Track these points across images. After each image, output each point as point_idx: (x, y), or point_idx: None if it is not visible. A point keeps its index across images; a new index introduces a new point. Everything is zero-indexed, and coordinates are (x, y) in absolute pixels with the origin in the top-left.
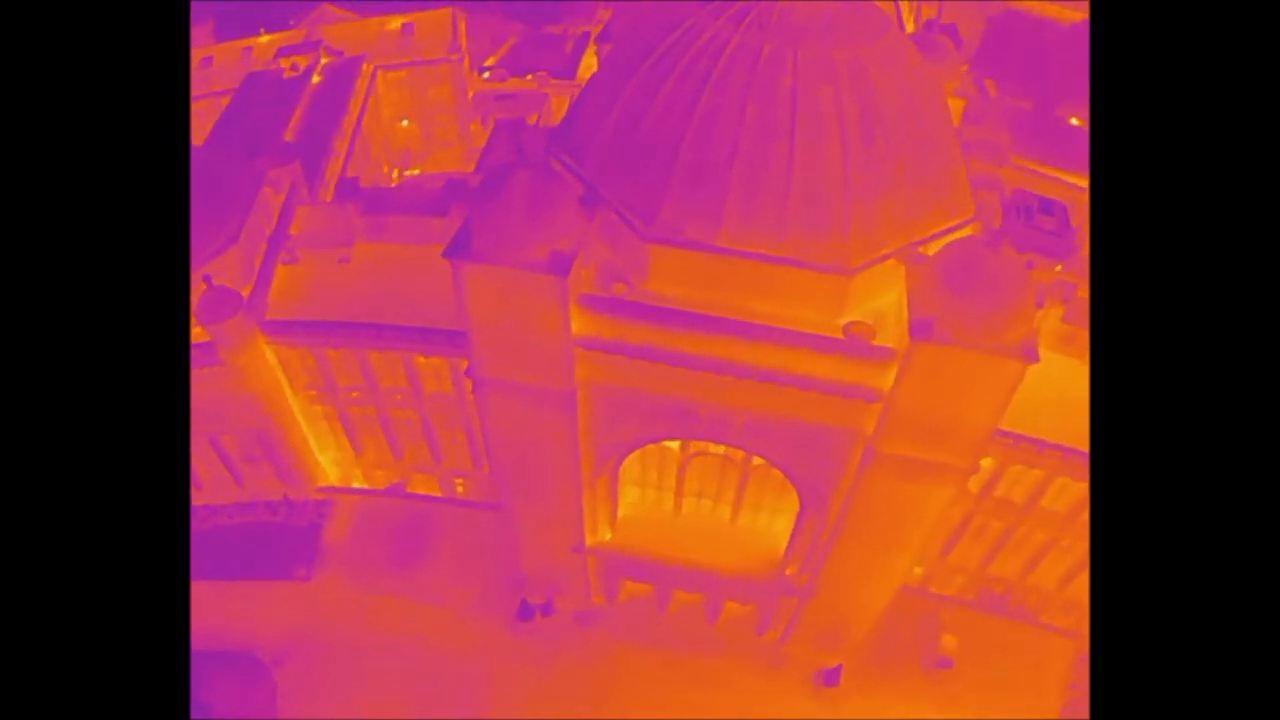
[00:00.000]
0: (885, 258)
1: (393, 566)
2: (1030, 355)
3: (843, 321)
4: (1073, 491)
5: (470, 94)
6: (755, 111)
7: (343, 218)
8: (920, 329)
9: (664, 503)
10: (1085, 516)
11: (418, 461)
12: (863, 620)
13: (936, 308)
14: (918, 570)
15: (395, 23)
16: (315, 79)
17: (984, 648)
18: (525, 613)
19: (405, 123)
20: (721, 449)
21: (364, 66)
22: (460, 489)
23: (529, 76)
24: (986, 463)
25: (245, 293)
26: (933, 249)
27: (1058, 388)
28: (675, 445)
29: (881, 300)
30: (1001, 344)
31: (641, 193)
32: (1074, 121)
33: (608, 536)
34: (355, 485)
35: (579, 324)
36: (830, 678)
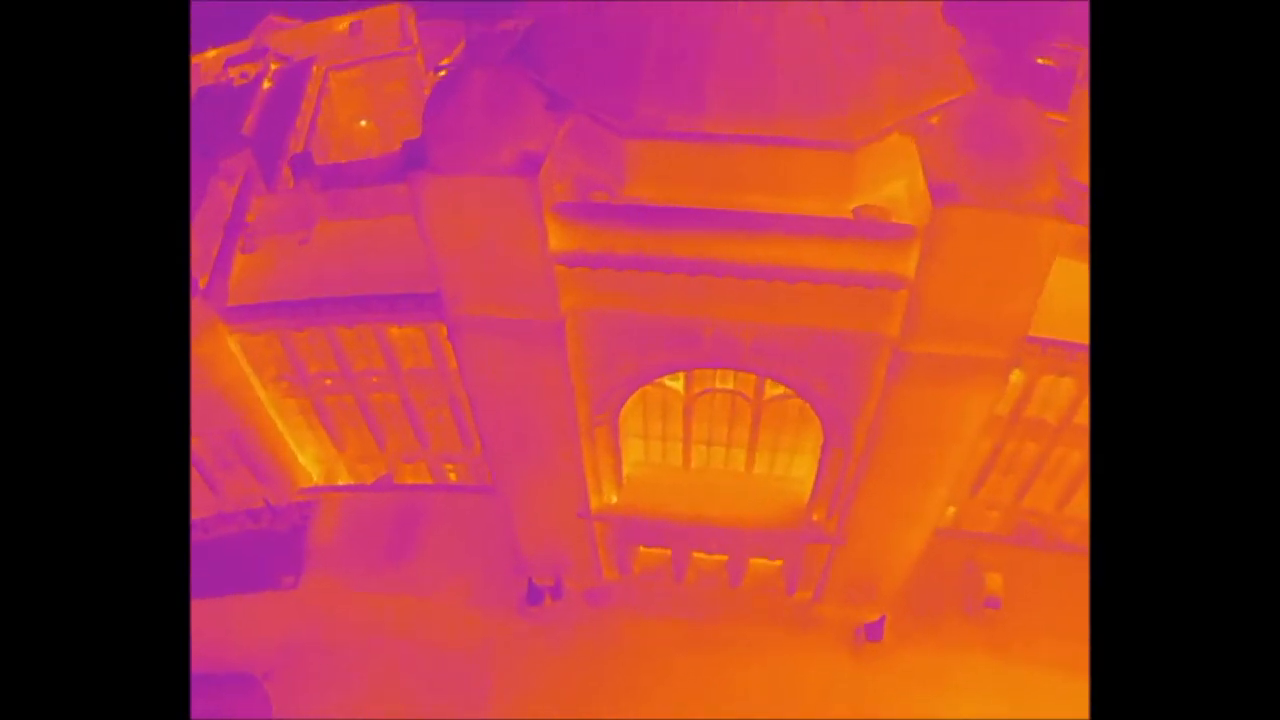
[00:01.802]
0: (889, 131)
1: (386, 564)
2: (1070, 212)
3: (851, 207)
4: None
5: (426, 89)
6: None
7: (300, 198)
8: (943, 193)
9: (672, 455)
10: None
11: (404, 450)
12: (900, 567)
13: (957, 171)
14: (950, 510)
15: (343, 23)
16: (266, 84)
17: (1029, 585)
18: (534, 596)
19: (364, 123)
20: (730, 383)
21: (314, 69)
22: (452, 476)
23: None
24: (1015, 377)
25: (202, 282)
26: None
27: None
28: (679, 385)
29: (892, 185)
30: (1035, 202)
31: (613, 88)
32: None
33: (614, 499)
34: (340, 483)
35: (557, 238)
36: (873, 632)
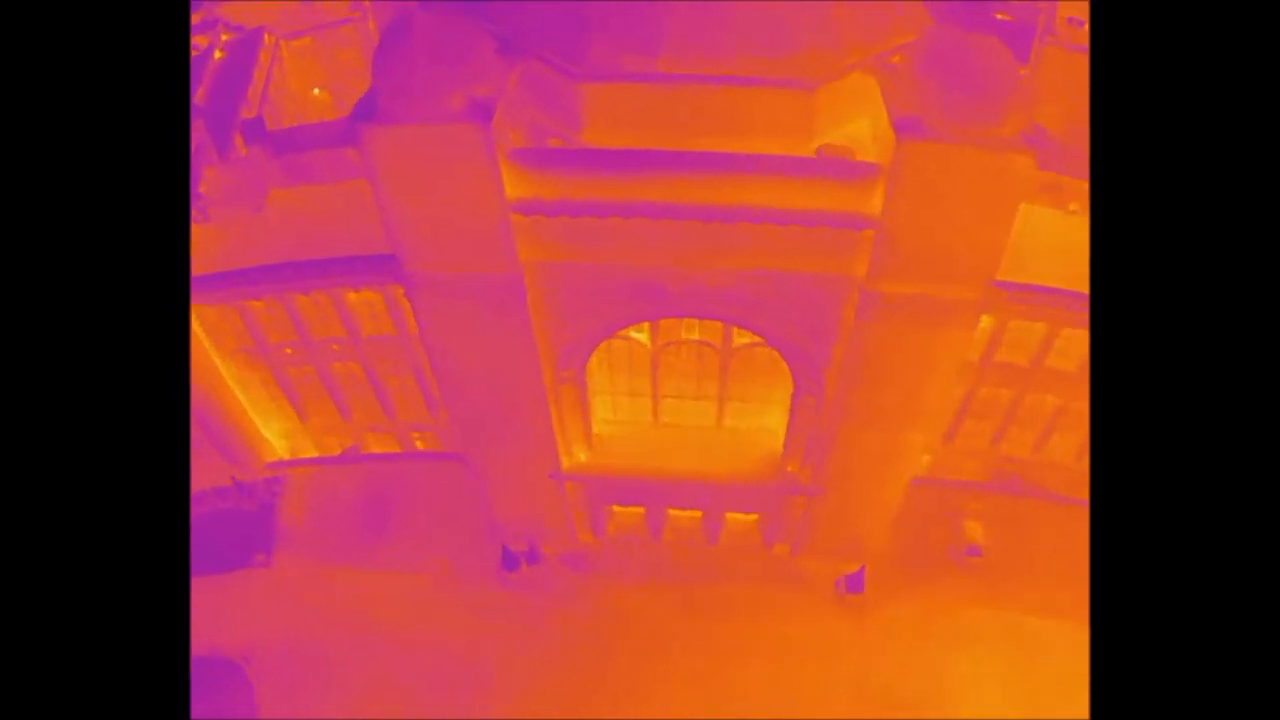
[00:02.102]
0: (850, 69)
1: (358, 538)
2: (1038, 145)
3: (814, 146)
4: (1079, 344)
5: None
6: None
7: (253, 166)
8: (906, 127)
9: (641, 411)
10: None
11: (370, 420)
12: (879, 517)
13: (921, 105)
14: (925, 459)
15: None
16: (218, 55)
17: (1011, 532)
18: (509, 563)
19: (317, 91)
20: (696, 333)
21: (266, 38)
22: (420, 445)
23: None
24: (985, 322)
25: None
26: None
27: (1043, 238)
28: (644, 337)
29: (854, 125)
30: (1001, 137)
31: (565, 31)
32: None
33: (584, 458)
34: (306, 456)
35: (513, 186)
36: (853, 583)
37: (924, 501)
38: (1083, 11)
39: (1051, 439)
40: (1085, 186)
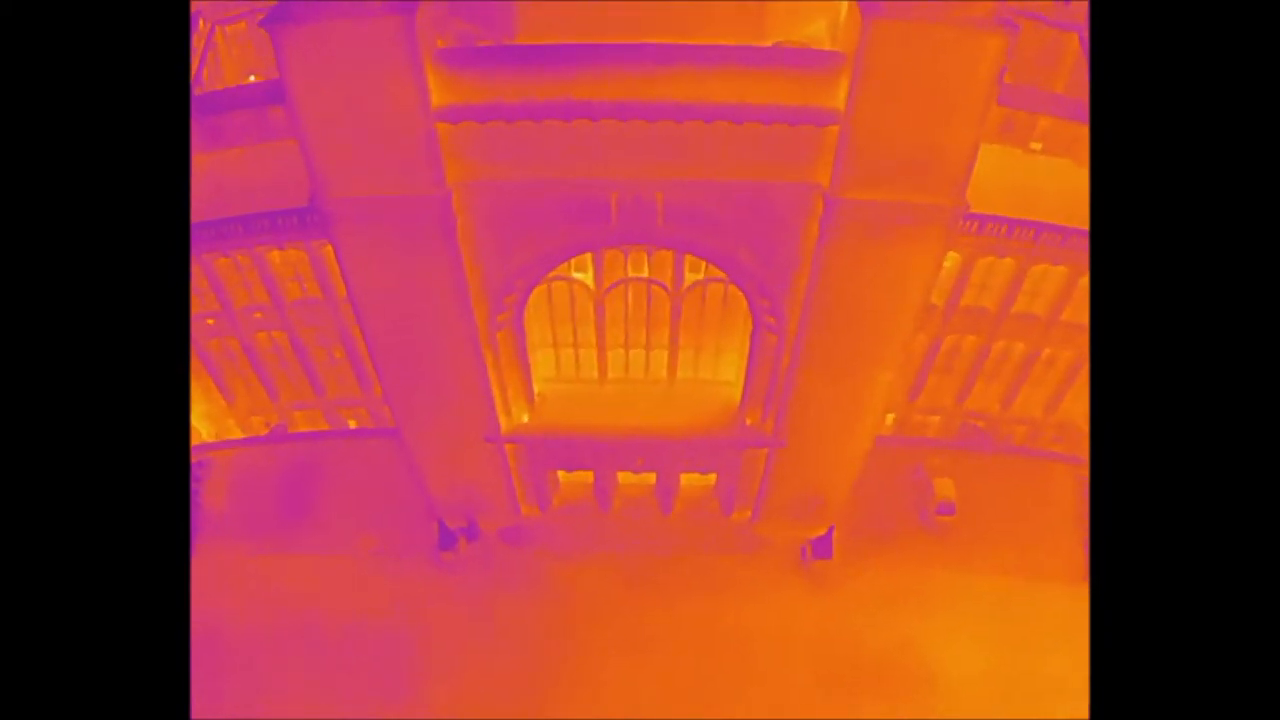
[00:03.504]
0: None
1: (285, 522)
2: (1010, 25)
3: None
4: (1051, 282)
5: None
6: None
7: None
8: (872, 6)
9: (586, 367)
10: (1065, 315)
11: (297, 397)
12: (844, 473)
13: None
14: (889, 418)
15: None
16: None
17: (981, 491)
18: (445, 540)
19: (253, 78)
20: (644, 270)
21: (200, 23)
22: (352, 424)
23: None
24: (950, 261)
25: None
26: None
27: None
28: (588, 278)
29: (811, 26)
30: (973, 15)
31: None
32: None
33: (525, 418)
34: (231, 438)
35: (439, 92)
36: (820, 548)
37: (888, 462)
38: None
39: (1020, 392)
40: (1045, 123)
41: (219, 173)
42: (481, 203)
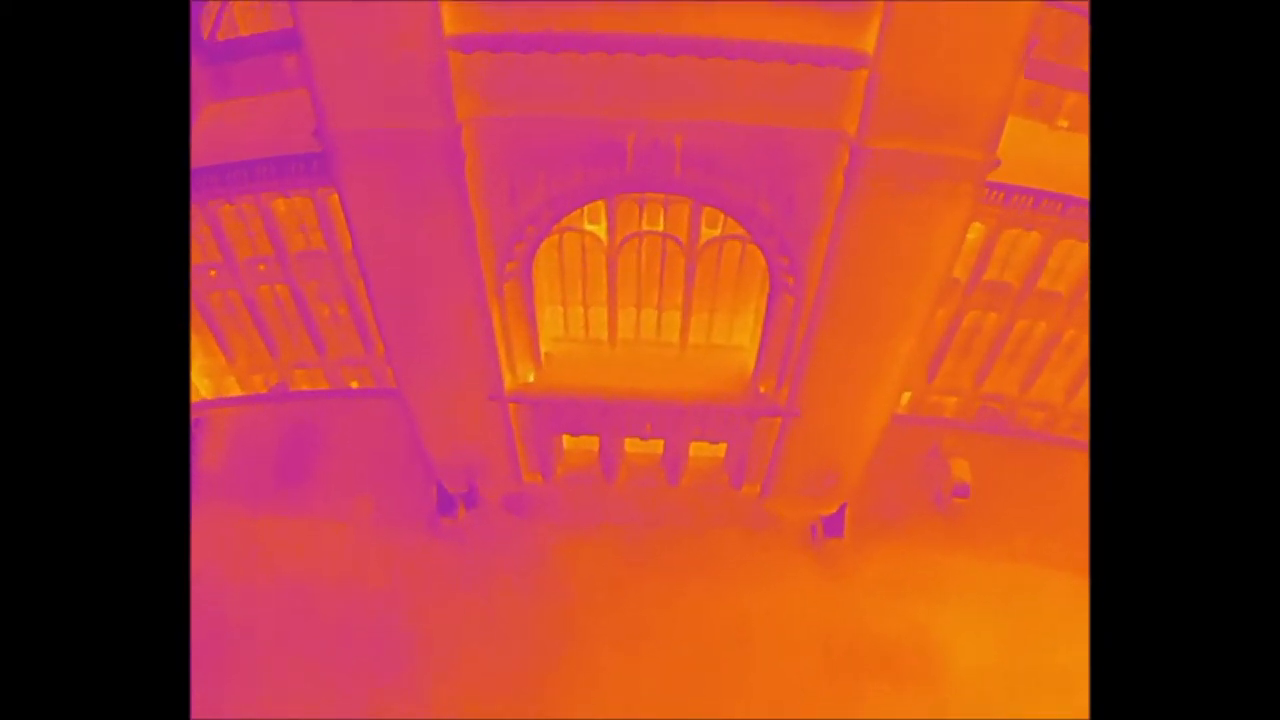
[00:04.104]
0: None
1: (281, 485)
2: None
3: None
4: (1076, 260)
5: None
6: None
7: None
8: None
9: (595, 328)
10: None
11: (299, 356)
12: (860, 448)
13: None
14: (906, 398)
15: None
16: None
17: (998, 476)
18: (445, 505)
19: None
20: (660, 224)
21: None
22: (354, 384)
23: None
24: (974, 233)
25: None
26: None
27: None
28: (600, 230)
29: None
30: None
31: None
32: None
33: (530, 378)
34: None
35: (453, 20)
36: (832, 526)
37: (903, 442)
38: None
39: (1040, 376)
40: (1071, 99)
41: (227, 121)
42: (492, 140)
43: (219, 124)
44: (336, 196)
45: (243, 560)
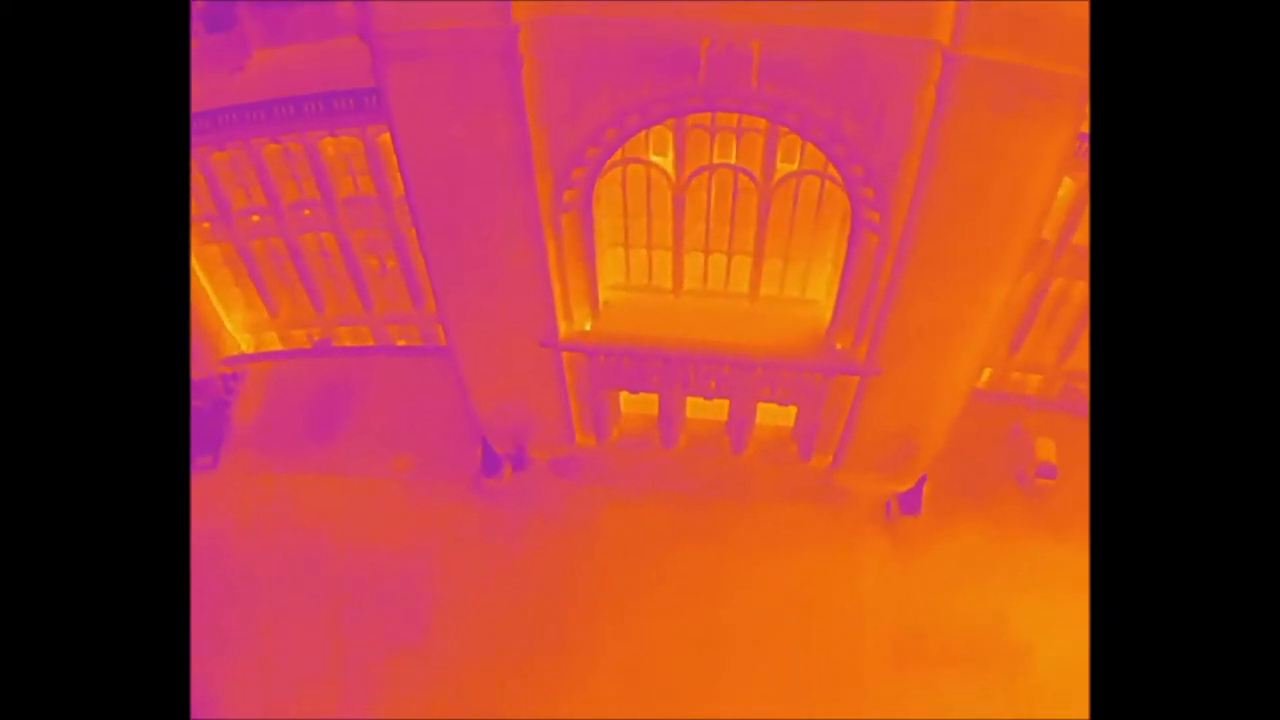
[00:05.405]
0: None
1: (318, 438)
2: None
3: None
4: None
5: None
6: None
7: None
8: None
9: (659, 275)
10: None
11: (343, 311)
12: (941, 415)
13: None
14: (985, 373)
15: None
16: None
17: (1083, 457)
18: (490, 467)
19: None
20: (732, 155)
21: None
22: (400, 342)
23: None
24: (1065, 189)
25: None
26: None
27: None
28: (667, 163)
29: None
30: None
31: None
32: None
33: (587, 325)
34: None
35: None
36: (908, 503)
37: (984, 417)
38: None
39: None
40: None
41: (277, 64)
42: (551, 45)
43: (268, 67)
44: (387, 136)
45: (274, 514)
